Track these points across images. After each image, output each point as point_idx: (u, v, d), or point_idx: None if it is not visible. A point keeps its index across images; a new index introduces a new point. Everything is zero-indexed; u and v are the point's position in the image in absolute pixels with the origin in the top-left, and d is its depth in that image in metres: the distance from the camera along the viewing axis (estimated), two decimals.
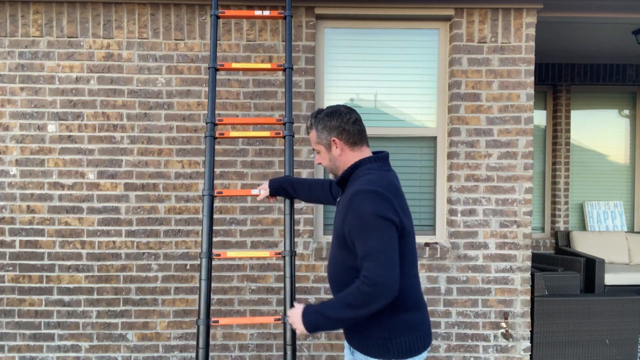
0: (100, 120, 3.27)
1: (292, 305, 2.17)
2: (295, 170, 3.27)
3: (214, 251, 2.36)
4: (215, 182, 3.26)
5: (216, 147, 3.28)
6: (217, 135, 2.51)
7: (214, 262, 3.29)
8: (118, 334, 3.30)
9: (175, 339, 3.31)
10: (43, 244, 3.27)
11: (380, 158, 1.87)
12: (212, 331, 3.29)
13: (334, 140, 1.87)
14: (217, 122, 2.54)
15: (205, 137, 2.47)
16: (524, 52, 3.32)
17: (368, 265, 1.62)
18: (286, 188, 2.28)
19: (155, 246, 3.29)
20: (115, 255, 3.28)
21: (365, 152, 1.89)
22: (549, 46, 5.05)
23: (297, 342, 3.32)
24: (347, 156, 1.89)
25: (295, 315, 1.81)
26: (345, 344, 1.99)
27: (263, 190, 2.34)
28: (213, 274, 3.28)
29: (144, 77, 3.27)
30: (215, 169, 3.27)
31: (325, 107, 2.26)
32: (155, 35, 3.27)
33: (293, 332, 2.16)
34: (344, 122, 1.86)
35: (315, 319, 1.74)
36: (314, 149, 1.97)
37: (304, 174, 3.30)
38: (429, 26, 3.43)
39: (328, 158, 1.92)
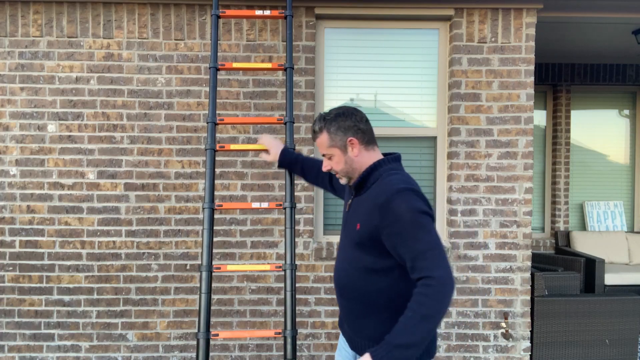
0: (100, 120, 3.27)
1: (293, 320, 2.16)
2: None
3: (214, 264, 2.35)
4: (216, 182, 3.26)
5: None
6: (217, 148, 2.50)
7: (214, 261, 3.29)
8: (118, 334, 3.30)
9: (175, 339, 3.31)
10: (43, 244, 3.27)
11: (397, 159, 1.82)
12: (211, 330, 3.28)
13: (350, 141, 1.77)
14: (217, 121, 2.54)
15: (206, 149, 2.46)
16: (524, 52, 3.32)
17: (424, 264, 1.52)
18: (294, 169, 2.28)
19: (155, 246, 3.29)
20: (115, 255, 3.28)
21: (378, 153, 1.84)
22: (549, 46, 5.05)
23: (297, 342, 3.32)
24: (363, 157, 1.80)
25: None
26: (346, 348, 1.91)
27: (272, 156, 2.32)
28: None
29: (144, 77, 3.27)
30: (215, 169, 3.27)
31: (327, 109, 2.17)
32: (155, 35, 3.27)
33: (294, 346, 2.14)
34: (358, 121, 1.79)
35: (395, 356, 1.48)
36: (324, 155, 1.83)
37: None
38: (429, 26, 3.44)
39: (344, 161, 1.79)
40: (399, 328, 1.51)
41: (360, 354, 1.76)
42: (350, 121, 1.78)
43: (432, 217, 1.62)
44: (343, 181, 1.85)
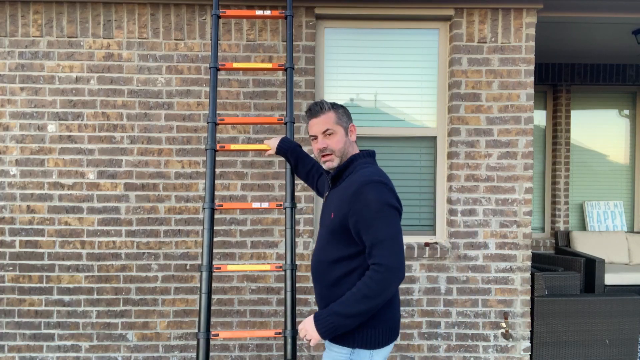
0: (100, 120, 3.27)
1: (293, 320, 2.19)
2: None
3: (215, 264, 2.36)
4: (216, 182, 3.26)
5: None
6: (217, 148, 2.50)
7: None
8: (118, 334, 3.30)
9: (175, 339, 3.31)
10: (43, 244, 3.27)
11: (371, 154, 1.98)
12: (211, 330, 3.28)
13: (352, 126, 1.97)
14: (218, 121, 2.54)
15: (206, 149, 2.47)
16: (524, 52, 3.31)
17: (380, 252, 1.69)
18: (289, 159, 2.36)
19: (155, 246, 3.29)
20: (115, 255, 3.28)
21: (356, 147, 2.00)
22: (549, 46, 5.05)
23: (297, 342, 3.32)
24: (352, 146, 1.97)
25: (307, 325, 1.79)
26: None
27: (271, 147, 2.41)
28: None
29: (144, 77, 3.27)
30: (215, 169, 3.27)
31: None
32: (155, 35, 3.27)
33: (294, 346, 2.15)
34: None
35: (332, 321, 1.73)
36: (324, 132, 1.92)
37: None
38: (429, 26, 3.43)
39: (343, 141, 1.92)
40: (342, 299, 1.73)
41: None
42: (349, 112, 2.02)
43: (398, 211, 1.79)
44: (331, 164, 1.93)
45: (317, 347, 3.34)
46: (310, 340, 1.77)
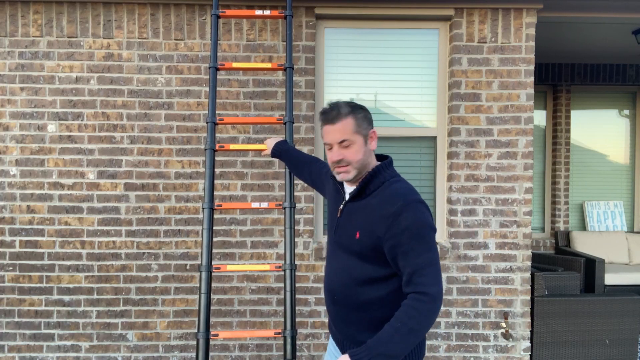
0: (100, 120, 3.27)
1: (292, 320, 2.15)
2: None
3: (214, 264, 2.35)
4: (216, 182, 3.26)
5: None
6: (217, 147, 2.50)
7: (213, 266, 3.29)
8: (118, 334, 3.30)
9: (175, 339, 3.31)
10: (43, 244, 3.27)
11: (392, 163, 1.76)
12: (211, 330, 3.28)
13: (373, 132, 1.71)
14: (217, 121, 2.54)
15: (205, 149, 2.47)
16: (524, 52, 3.31)
17: (421, 280, 1.52)
18: (283, 159, 2.37)
19: (155, 246, 3.29)
20: (115, 255, 3.28)
21: (373, 155, 1.78)
22: (549, 46, 5.05)
23: (297, 342, 3.32)
24: (372, 156, 1.74)
25: None
26: (335, 352, 1.88)
27: (267, 148, 2.43)
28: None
29: (144, 77, 3.27)
30: (215, 169, 3.27)
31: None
32: (155, 35, 3.27)
33: (293, 346, 2.14)
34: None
35: None
36: (341, 142, 1.65)
37: None
38: (429, 26, 3.43)
39: (363, 151, 1.67)
40: (384, 336, 1.50)
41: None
42: (370, 115, 1.74)
43: (435, 232, 1.61)
44: (348, 176, 1.69)
45: (317, 347, 3.34)
46: None
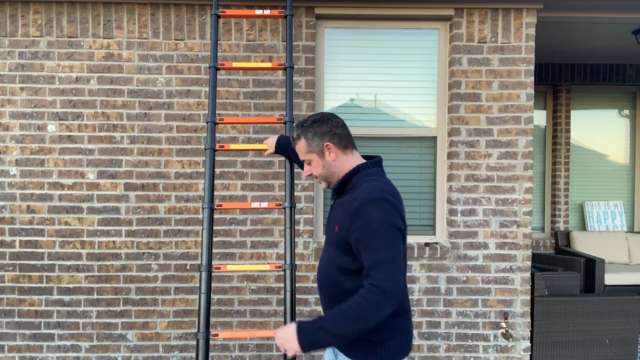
0: (100, 120, 3.27)
1: (292, 320, 2.16)
2: (295, 170, 3.27)
3: (214, 264, 2.36)
4: (216, 182, 3.26)
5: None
6: (217, 147, 2.50)
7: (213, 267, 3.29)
8: (118, 334, 3.30)
9: (175, 339, 3.31)
10: (43, 244, 3.27)
11: (377, 163, 1.84)
12: (211, 330, 3.28)
13: (327, 146, 1.80)
14: (217, 121, 2.54)
15: (205, 149, 2.47)
16: (524, 52, 3.32)
17: (377, 274, 1.59)
18: (289, 155, 2.38)
19: (155, 246, 3.29)
20: (115, 255, 3.28)
21: (357, 157, 1.86)
22: (549, 46, 5.05)
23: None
24: (342, 160, 1.82)
25: (287, 334, 1.64)
26: None
27: (270, 145, 2.43)
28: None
29: (144, 77, 3.27)
30: (215, 169, 3.27)
31: (329, 110, 2.18)
32: (155, 35, 3.27)
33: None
34: (334, 126, 1.81)
35: (317, 337, 1.61)
36: (303, 161, 1.87)
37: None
38: (429, 26, 3.43)
39: (322, 166, 1.83)
40: (331, 315, 1.63)
41: (336, 348, 1.82)
42: (326, 127, 1.81)
43: (400, 230, 1.66)
44: (323, 185, 1.89)
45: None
46: (286, 350, 1.65)
